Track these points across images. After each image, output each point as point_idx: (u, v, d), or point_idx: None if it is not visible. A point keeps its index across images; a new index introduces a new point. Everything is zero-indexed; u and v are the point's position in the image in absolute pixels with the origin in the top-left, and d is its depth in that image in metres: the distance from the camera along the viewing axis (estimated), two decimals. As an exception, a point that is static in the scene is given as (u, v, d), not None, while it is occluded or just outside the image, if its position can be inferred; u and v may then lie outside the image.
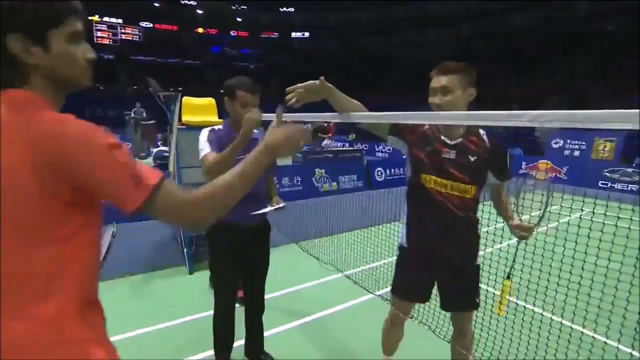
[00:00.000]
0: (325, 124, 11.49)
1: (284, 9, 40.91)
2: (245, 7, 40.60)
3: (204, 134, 1.97)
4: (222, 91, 2.00)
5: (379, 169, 8.98)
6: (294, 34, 41.81)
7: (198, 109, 4.38)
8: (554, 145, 13.44)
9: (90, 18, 34.48)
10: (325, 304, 3.27)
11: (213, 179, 0.92)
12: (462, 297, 1.82)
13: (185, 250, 3.89)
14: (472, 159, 1.67)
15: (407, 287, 1.87)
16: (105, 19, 35.43)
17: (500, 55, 27.23)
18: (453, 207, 1.68)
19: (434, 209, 1.70)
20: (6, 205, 0.71)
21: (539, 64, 24.64)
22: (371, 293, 3.33)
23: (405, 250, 1.87)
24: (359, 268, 3.93)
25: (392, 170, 9.22)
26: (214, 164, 1.79)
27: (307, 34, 41.73)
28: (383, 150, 17.18)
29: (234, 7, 40.39)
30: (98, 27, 35.33)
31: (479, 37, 30.27)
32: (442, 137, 1.72)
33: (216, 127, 2.03)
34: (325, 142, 12.07)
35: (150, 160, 10.09)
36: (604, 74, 20.58)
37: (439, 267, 1.78)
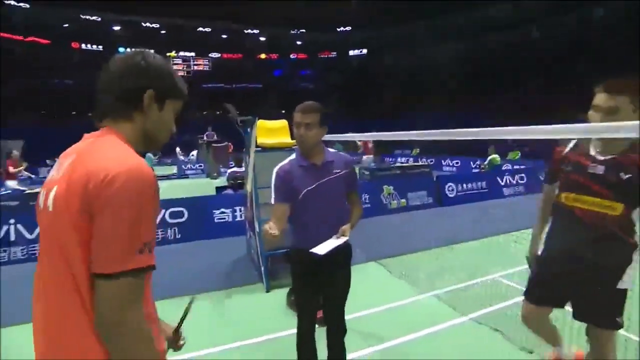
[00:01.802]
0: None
1: (341, 28, 41.87)
2: (303, 30, 42.33)
3: (273, 175, 2.01)
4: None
5: (450, 184, 8.50)
6: (351, 52, 42.49)
7: (272, 132, 4.52)
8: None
9: (167, 54, 38.60)
10: (410, 327, 3.06)
11: None
12: (596, 310, 1.76)
13: (262, 268, 3.96)
14: (624, 176, 1.60)
15: (543, 294, 1.89)
16: (181, 53, 39.35)
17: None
18: (593, 223, 1.66)
19: (573, 223, 1.72)
20: (57, 225, 0.83)
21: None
22: (464, 316, 3.07)
23: (542, 260, 1.91)
24: (445, 289, 3.68)
25: (465, 186, 8.67)
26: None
27: (364, 51, 42.14)
28: (450, 164, 16.38)
29: (293, 32, 42.33)
30: (174, 61, 39.30)
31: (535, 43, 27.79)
32: (592, 152, 1.69)
33: (287, 161, 2.04)
34: (364, 158, 11.65)
35: (223, 180, 10.68)
36: None
37: (573, 279, 1.76)
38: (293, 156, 2.05)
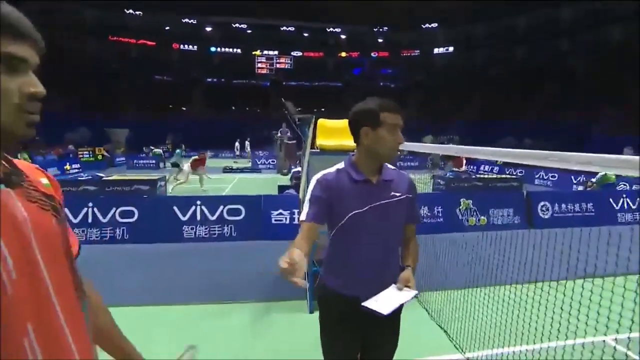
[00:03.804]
0: None
1: (427, 25, 39.76)
2: (386, 28, 41.18)
3: (312, 184, 1.49)
4: (353, 121, 1.47)
5: (544, 202, 7.14)
6: (436, 50, 40.16)
7: (333, 132, 4.06)
8: None
9: (253, 53, 40.79)
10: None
11: None
12: None
13: (307, 285, 3.54)
14: None
15: None
16: (265, 52, 41.23)
17: None
18: None
19: None
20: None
21: None
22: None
23: None
24: (515, 347, 2.83)
25: (564, 206, 7.22)
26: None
27: (450, 49, 39.48)
28: (545, 178, 14.13)
29: (375, 30, 41.46)
30: (258, 60, 41.37)
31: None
32: None
33: (334, 170, 1.51)
34: (451, 171, 9.99)
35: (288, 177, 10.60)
36: None
37: None
38: (341, 165, 1.53)
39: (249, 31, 40.19)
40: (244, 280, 4.20)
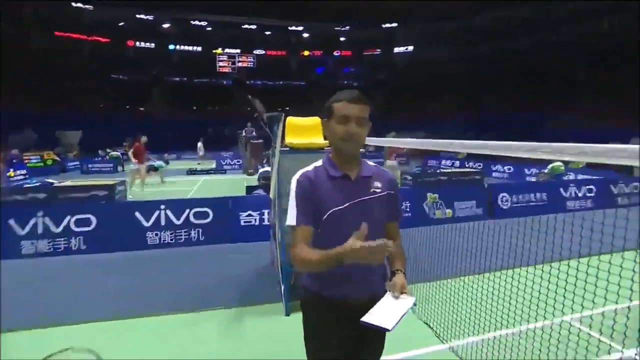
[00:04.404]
0: None
1: (387, 25, 40.62)
2: (348, 27, 41.61)
3: (293, 184, 1.44)
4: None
5: (504, 194, 7.53)
6: (396, 49, 41.15)
7: (303, 130, 4.01)
8: None
9: (214, 51, 39.71)
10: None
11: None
12: None
13: (282, 287, 3.47)
14: None
15: None
16: (226, 50, 40.28)
17: None
18: None
19: None
20: None
21: None
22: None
23: None
24: (490, 334, 2.95)
25: (521, 197, 7.65)
26: (301, 262, 1.33)
27: (410, 48, 40.62)
28: (501, 170, 14.94)
29: (337, 28, 41.77)
30: (220, 58, 40.35)
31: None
32: None
33: (312, 168, 1.47)
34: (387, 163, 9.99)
35: (256, 177, 10.43)
36: None
37: None
38: (319, 162, 1.49)
39: (209, 29, 39.03)
40: (216, 286, 4.05)
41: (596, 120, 21.31)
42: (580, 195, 8.30)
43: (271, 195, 3.84)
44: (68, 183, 8.26)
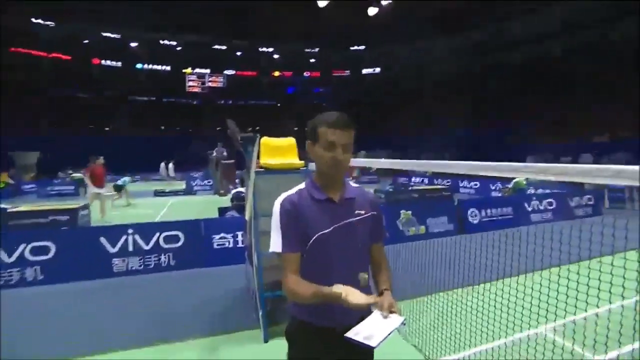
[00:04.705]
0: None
1: (355, 47, 42.03)
2: (317, 49, 42.64)
3: (277, 208, 1.40)
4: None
5: (473, 209, 7.80)
6: (364, 70, 42.51)
7: (277, 151, 4.00)
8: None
9: (183, 71, 39.31)
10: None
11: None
12: None
13: (260, 312, 3.36)
14: None
15: None
16: (196, 69, 39.97)
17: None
18: None
19: None
20: None
21: None
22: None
23: None
24: (477, 348, 2.98)
25: (489, 211, 7.95)
26: (293, 294, 1.34)
27: (377, 69, 42.10)
28: (468, 187, 15.54)
29: (307, 50, 42.69)
30: (189, 78, 39.94)
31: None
32: None
33: (295, 192, 1.44)
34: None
35: (229, 199, 10.23)
36: None
37: None
38: (302, 185, 1.47)
39: (178, 48, 38.69)
40: (189, 314, 3.85)
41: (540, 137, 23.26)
42: (542, 208, 8.75)
43: (247, 217, 3.76)
44: (22, 208, 7.72)
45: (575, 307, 2.79)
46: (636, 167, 1.02)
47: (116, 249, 5.16)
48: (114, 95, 35.66)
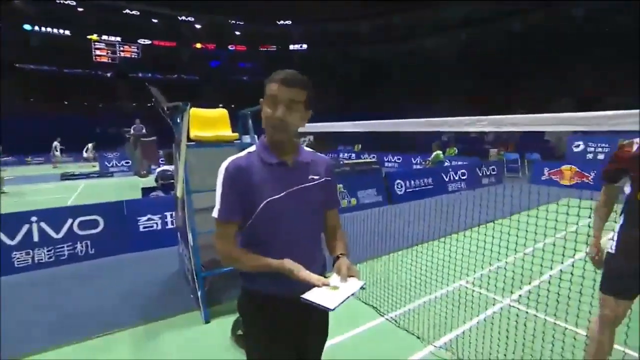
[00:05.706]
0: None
1: (282, 22, 40.86)
2: (242, 22, 40.55)
3: (221, 173, 1.29)
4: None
5: (399, 181, 8.32)
6: (292, 46, 41.71)
7: (208, 122, 3.76)
8: (575, 149, 12.84)
9: (88, 37, 34.39)
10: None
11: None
12: None
13: (199, 293, 3.21)
14: None
15: (623, 287, 1.91)
16: (104, 37, 35.27)
17: (501, 60, 26.94)
18: None
19: None
20: None
21: (543, 67, 24.36)
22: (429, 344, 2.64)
23: (618, 254, 1.93)
24: (412, 304, 3.25)
25: (412, 182, 8.56)
26: (229, 259, 1.32)
27: (305, 46, 41.63)
28: (392, 161, 16.55)
29: (232, 22, 40.34)
30: (96, 46, 35.16)
31: (478, 43, 30.02)
32: None
33: (244, 155, 1.34)
34: None
35: (152, 179, 9.44)
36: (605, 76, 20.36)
37: None
38: (252, 148, 1.36)
39: (80, 9, 33.49)
40: (118, 304, 3.50)
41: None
42: (456, 178, 9.70)
43: (178, 194, 3.50)
44: None
45: (483, 262, 3.24)
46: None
47: (16, 241, 4.44)
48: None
